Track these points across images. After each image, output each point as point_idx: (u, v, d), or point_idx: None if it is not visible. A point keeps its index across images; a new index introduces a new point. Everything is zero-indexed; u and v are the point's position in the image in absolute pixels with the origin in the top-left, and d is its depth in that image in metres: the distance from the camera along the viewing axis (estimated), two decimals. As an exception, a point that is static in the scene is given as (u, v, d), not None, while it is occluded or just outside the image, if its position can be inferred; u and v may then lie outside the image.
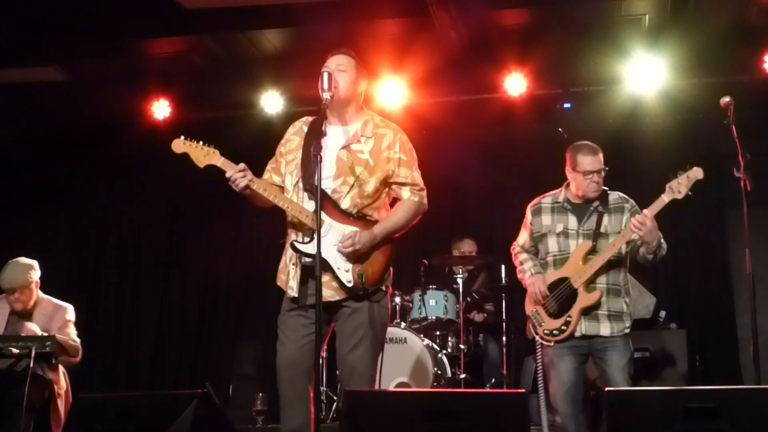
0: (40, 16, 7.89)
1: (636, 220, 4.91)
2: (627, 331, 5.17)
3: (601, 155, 5.27)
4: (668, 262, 8.57)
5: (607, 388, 4.02)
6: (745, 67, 8.26)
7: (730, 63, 8.27)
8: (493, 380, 8.02)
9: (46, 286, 6.64)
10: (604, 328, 5.11)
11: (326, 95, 4.33)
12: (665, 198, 4.95)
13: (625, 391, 4.31)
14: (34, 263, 6.47)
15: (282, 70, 9.01)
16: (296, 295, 4.40)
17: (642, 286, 7.69)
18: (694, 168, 4.91)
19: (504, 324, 7.96)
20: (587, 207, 5.27)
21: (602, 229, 5.20)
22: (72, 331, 6.39)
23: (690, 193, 4.90)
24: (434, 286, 7.86)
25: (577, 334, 5.12)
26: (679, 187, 4.91)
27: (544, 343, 5.23)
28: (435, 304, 7.77)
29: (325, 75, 4.36)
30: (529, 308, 5.34)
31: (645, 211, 4.95)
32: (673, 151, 8.51)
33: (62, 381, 6.29)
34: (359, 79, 4.60)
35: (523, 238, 5.51)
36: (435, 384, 7.33)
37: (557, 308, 5.17)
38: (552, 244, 5.30)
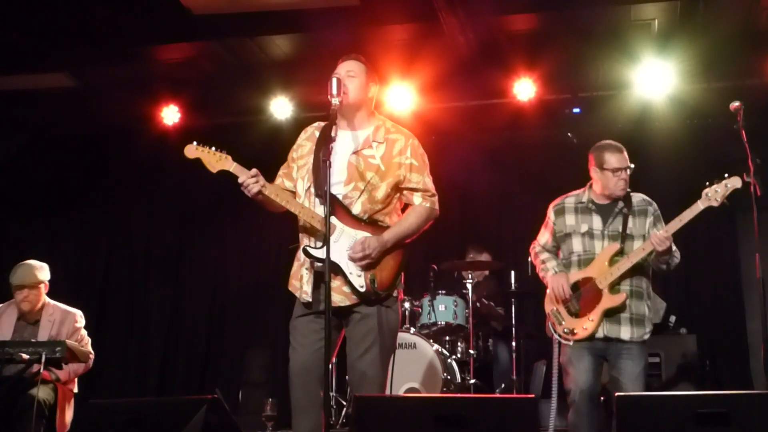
0: (49, 23, 7.91)
1: (657, 238, 4.93)
2: (646, 337, 5.15)
3: (626, 153, 5.28)
4: (678, 268, 8.51)
5: (617, 393, 4.00)
6: (755, 71, 8.25)
7: (739, 67, 8.25)
8: (503, 385, 8.02)
9: (56, 291, 6.66)
10: (625, 332, 5.09)
11: (335, 101, 4.33)
12: (701, 205, 4.92)
13: (635, 396, 4.29)
14: (45, 265, 6.54)
15: (291, 76, 9.02)
16: (310, 300, 4.40)
17: (652, 292, 7.67)
18: (733, 177, 4.89)
19: (513, 329, 7.97)
20: (612, 208, 5.26)
21: (628, 231, 5.19)
22: (85, 339, 6.44)
23: (726, 201, 4.89)
24: (444, 292, 7.88)
25: (599, 335, 5.10)
26: (716, 195, 4.88)
27: (563, 341, 5.20)
28: (444, 309, 7.78)
29: (334, 80, 4.37)
30: (549, 306, 5.31)
31: (662, 231, 4.96)
32: (683, 156, 8.52)
33: (72, 384, 6.31)
34: (369, 85, 4.60)
35: (544, 238, 5.49)
36: (445, 389, 7.32)
37: (579, 308, 5.15)
38: (576, 245, 5.27)
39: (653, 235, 5.00)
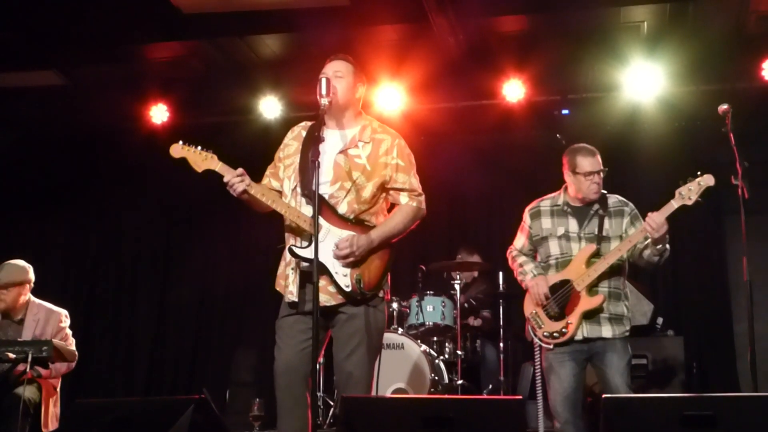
0: (39, 21, 7.89)
1: (653, 222, 4.87)
2: (627, 334, 5.16)
3: (599, 156, 5.26)
4: (666, 269, 8.58)
5: (604, 395, 4.00)
6: (744, 74, 8.27)
7: (728, 70, 8.28)
8: (491, 386, 8.02)
9: (43, 290, 6.63)
10: (606, 331, 5.10)
11: (324, 101, 4.34)
12: (674, 204, 4.91)
13: (622, 398, 4.30)
14: (30, 266, 6.47)
15: (280, 76, 9.02)
16: (296, 299, 4.39)
17: (639, 293, 7.70)
18: (705, 175, 4.88)
19: (501, 330, 7.97)
20: (587, 210, 5.26)
21: (604, 233, 5.19)
22: (70, 338, 6.39)
23: (700, 199, 4.89)
24: (432, 292, 7.88)
25: (578, 337, 5.10)
26: (689, 193, 4.88)
27: (544, 345, 5.21)
28: (432, 309, 7.78)
29: (323, 81, 4.37)
30: (528, 310, 5.30)
31: (658, 213, 4.90)
32: (671, 159, 8.52)
33: (55, 382, 6.28)
34: (357, 85, 4.61)
35: (520, 241, 5.49)
36: (432, 390, 7.32)
37: (558, 311, 5.16)
38: (553, 247, 5.27)
39: (649, 217, 4.92)
